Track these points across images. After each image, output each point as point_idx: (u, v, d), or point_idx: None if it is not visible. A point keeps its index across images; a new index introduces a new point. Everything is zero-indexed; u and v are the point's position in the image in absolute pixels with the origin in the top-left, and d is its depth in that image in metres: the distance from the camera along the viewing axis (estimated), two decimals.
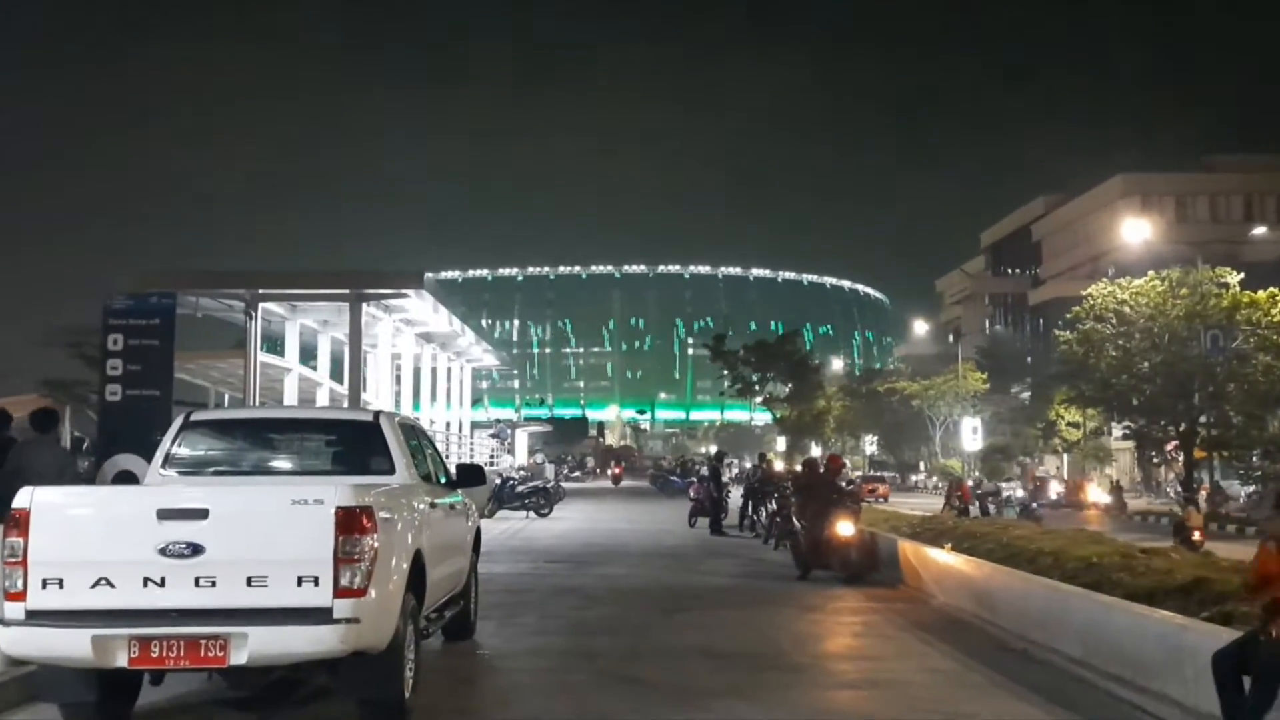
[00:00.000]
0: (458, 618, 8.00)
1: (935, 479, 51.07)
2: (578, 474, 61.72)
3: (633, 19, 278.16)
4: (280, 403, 20.80)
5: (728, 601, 11.49)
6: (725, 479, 24.19)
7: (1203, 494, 30.67)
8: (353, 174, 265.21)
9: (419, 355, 26.87)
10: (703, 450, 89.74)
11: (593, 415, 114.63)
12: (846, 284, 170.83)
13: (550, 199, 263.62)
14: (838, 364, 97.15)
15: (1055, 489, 37.05)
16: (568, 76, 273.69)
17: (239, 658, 5.18)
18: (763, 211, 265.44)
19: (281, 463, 7.17)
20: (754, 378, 56.96)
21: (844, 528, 13.12)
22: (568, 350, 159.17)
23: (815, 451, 62.53)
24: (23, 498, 5.32)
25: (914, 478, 57.50)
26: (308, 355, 23.81)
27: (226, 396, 24.22)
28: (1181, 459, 34.66)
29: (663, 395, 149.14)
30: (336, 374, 24.06)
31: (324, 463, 7.14)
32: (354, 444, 7.09)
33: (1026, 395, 55.22)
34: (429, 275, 21.35)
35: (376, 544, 5.37)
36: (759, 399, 59.79)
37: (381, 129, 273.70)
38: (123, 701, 5.82)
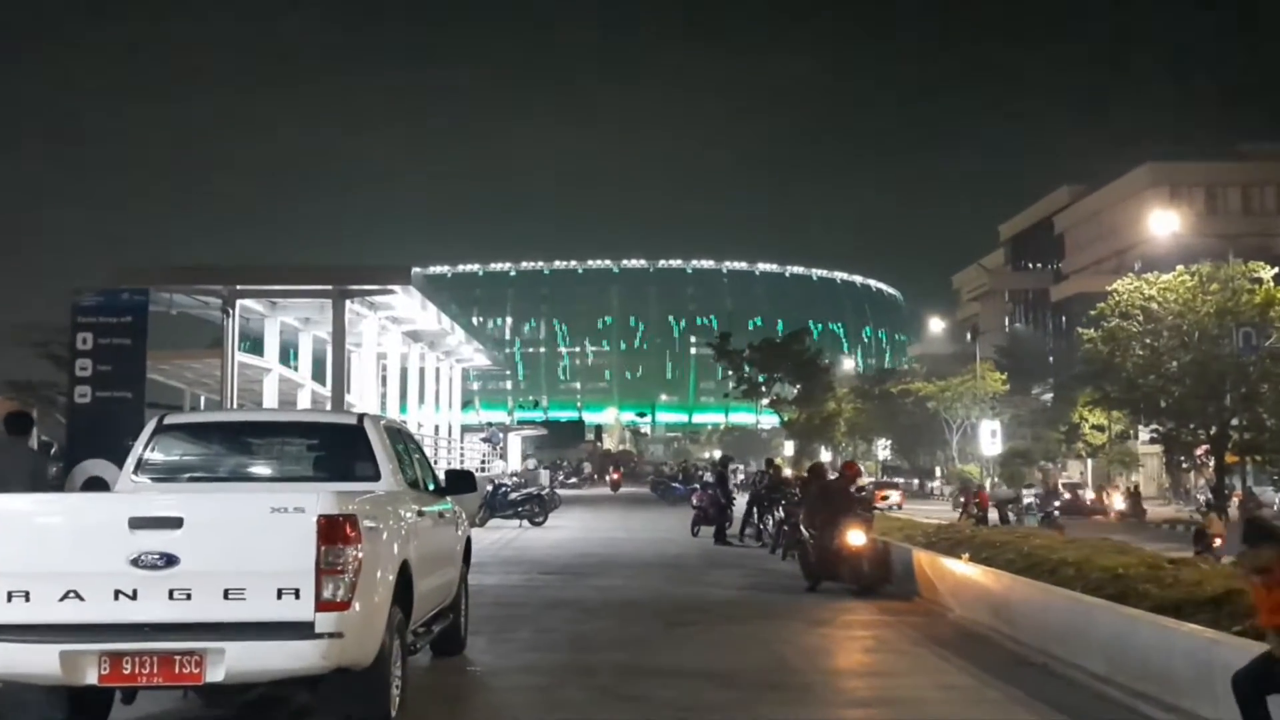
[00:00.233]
0: (447, 632, 8.01)
1: (950, 486, 51.04)
2: (574, 480, 61.75)
3: (633, 3, 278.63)
4: (259, 405, 20.79)
5: (732, 615, 11.50)
6: (730, 485, 24.14)
7: (1235, 501, 30.70)
8: (337, 165, 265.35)
9: (406, 355, 26.89)
10: (706, 455, 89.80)
11: (590, 418, 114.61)
12: (858, 279, 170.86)
13: (545, 190, 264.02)
14: (848, 364, 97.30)
15: (1062, 494, 36.91)
16: (566, 64, 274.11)
17: (215, 674, 5.19)
18: (770, 203, 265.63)
19: (260, 469, 7.18)
20: (760, 378, 56.99)
21: (855, 537, 13.13)
22: (564, 349, 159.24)
23: (825, 456, 62.72)
24: None
25: (931, 484, 57.48)
26: (288, 355, 23.85)
27: (203, 399, 24.22)
28: (1212, 464, 34.66)
29: (664, 397, 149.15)
30: (319, 375, 24.07)
31: (305, 468, 7.16)
32: (337, 449, 7.10)
33: (1048, 397, 55.26)
34: (416, 270, 21.38)
35: (361, 554, 5.37)
36: (765, 401, 59.83)
37: (368, 117, 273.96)
38: None
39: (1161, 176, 57.06)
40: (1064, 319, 61.83)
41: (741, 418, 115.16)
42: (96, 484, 10.51)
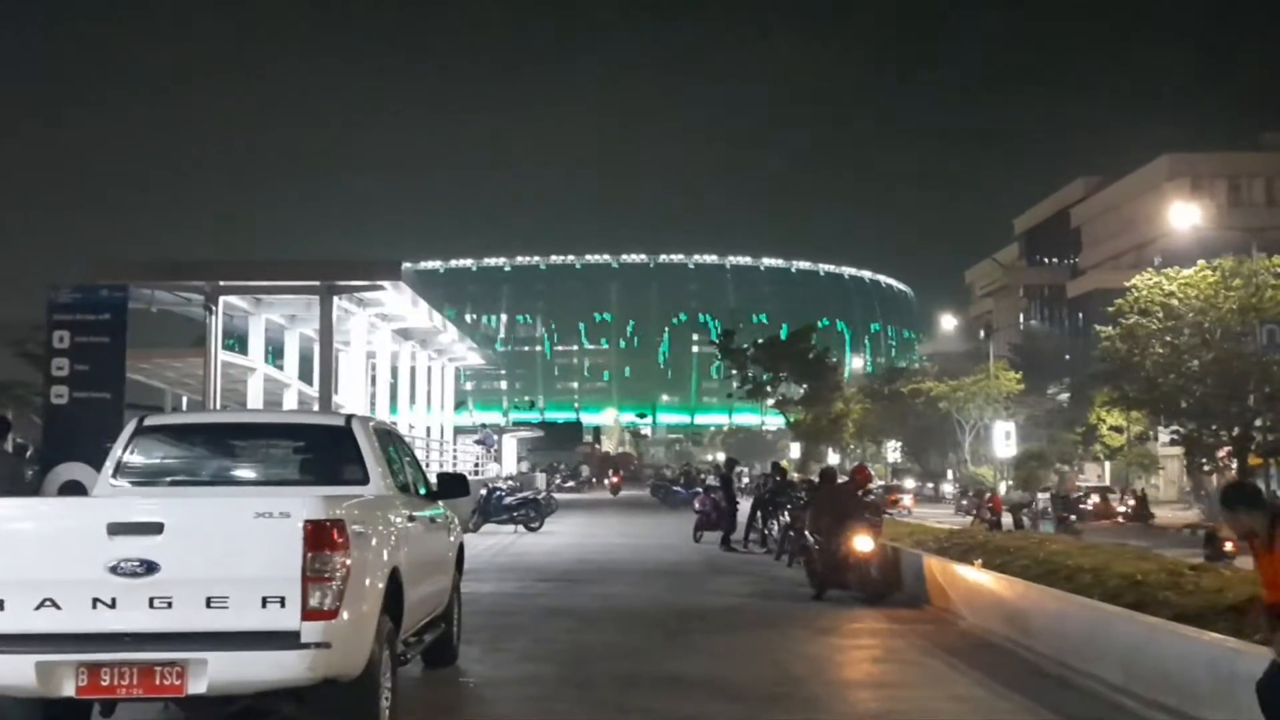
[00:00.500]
0: (439, 642, 8.01)
1: (953, 489, 50.98)
2: (571, 484, 61.77)
3: None
4: (243, 406, 20.79)
5: (736, 624, 11.51)
6: (735, 489, 24.11)
7: None
8: (325, 158, 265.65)
9: (396, 353, 26.90)
10: (709, 458, 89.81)
11: (588, 419, 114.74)
12: (867, 274, 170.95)
13: (542, 182, 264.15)
14: (857, 363, 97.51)
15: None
16: (565, 51, 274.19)
17: (198, 686, 5.19)
18: (775, 196, 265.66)
19: (244, 472, 7.18)
20: (765, 378, 56.99)
21: (863, 542, 13.13)
22: (561, 348, 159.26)
23: (833, 459, 62.72)
24: None
25: (946, 488, 57.39)
26: (274, 354, 23.85)
27: (185, 399, 24.23)
28: (1235, 467, 34.65)
29: (665, 397, 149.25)
30: (305, 374, 24.07)
31: (291, 472, 7.16)
32: (324, 451, 7.10)
33: (1064, 397, 55.26)
34: (407, 265, 21.42)
35: (349, 561, 5.37)
36: (770, 401, 59.83)
37: (358, 108, 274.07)
38: None
39: (1182, 168, 57.06)
40: (1081, 316, 61.83)
41: (746, 419, 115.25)
42: (74, 488, 10.52)
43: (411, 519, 6.99)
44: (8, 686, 5.27)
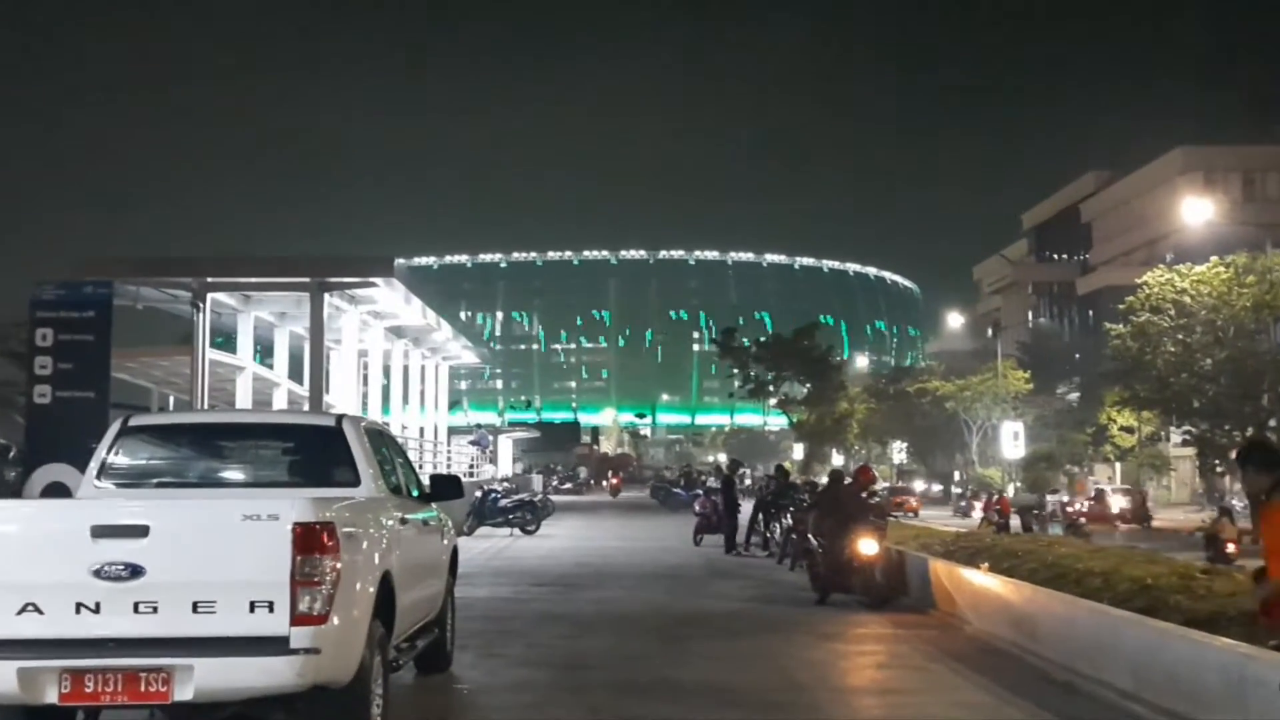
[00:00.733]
0: (432, 648, 8.02)
1: (957, 490, 50.95)
2: (569, 486, 61.80)
3: None
4: (232, 405, 20.81)
5: (737, 629, 11.52)
6: (737, 491, 24.09)
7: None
8: (316, 153, 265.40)
9: (389, 352, 26.91)
10: (710, 459, 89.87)
11: (586, 419, 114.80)
12: (872, 271, 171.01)
13: (540, 177, 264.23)
14: (862, 361, 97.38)
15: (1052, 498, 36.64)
16: (564, 42, 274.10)
17: (184, 693, 5.19)
18: (777, 190, 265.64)
19: (232, 473, 7.19)
20: (767, 377, 57.04)
21: (867, 546, 13.14)
22: (558, 346, 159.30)
23: (837, 460, 62.75)
24: None
25: (956, 490, 57.44)
26: (263, 352, 23.86)
27: (171, 398, 24.24)
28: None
29: (665, 397, 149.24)
30: (296, 373, 24.10)
31: (280, 473, 7.16)
32: (314, 452, 7.10)
33: (1074, 396, 55.27)
34: (400, 262, 21.44)
35: (339, 565, 5.38)
36: (773, 401, 59.88)
37: (349, 99, 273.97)
38: None
39: (1195, 161, 57.09)
40: (1091, 313, 61.86)
41: (747, 419, 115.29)
42: (57, 489, 10.55)
43: (404, 522, 6.99)
44: None
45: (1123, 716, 7.42)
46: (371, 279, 19.59)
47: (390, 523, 6.65)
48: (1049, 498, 34.95)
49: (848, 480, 15.91)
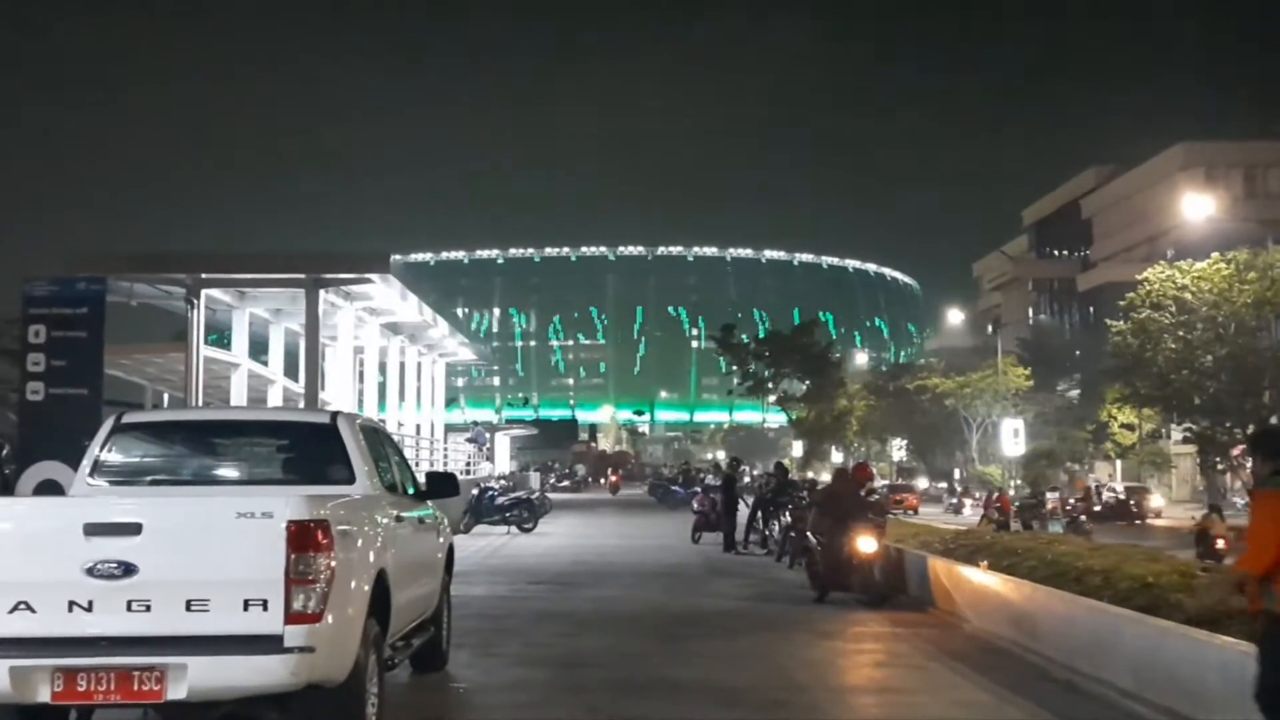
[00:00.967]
0: (427, 646, 8.01)
1: (942, 486, 50.97)
2: (567, 483, 61.81)
3: None
4: (226, 403, 20.79)
5: (735, 627, 11.53)
6: (737, 489, 24.06)
7: None
8: (313, 148, 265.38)
9: (385, 349, 26.89)
10: (708, 456, 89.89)
11: (584, 417, 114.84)
12: (871, 267, 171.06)
13: (537, 172, 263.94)
14: (861, 358, 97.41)
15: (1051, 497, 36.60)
16: (563, 39, 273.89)
17: (177, 691, 5.18)
18: (777, 187, 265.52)
19: (226, 471, 7.18)
20: (766, 374, 57.05)
21: (866, 544, 13.15)
22: (555, 343, 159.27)
23: (836, 457, 62.80)
24: None
25: (942, 486, 57.53)
26: (258, 349, 23.82)
27: (165, 396, 24.22)
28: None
29: (663, 394, 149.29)
30: (291, 370, 24.07)
31: (275, 471, 7.15)
32: (309, 449, 7.09)
33: (1075, 393, 55.34)
34: (396, 258, 21.41)
35: (334, 563, 5.37)
36: (772, 398, 59.89)
37: (345, 96, 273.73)
38: None
39: (1196, 157, 57.14)
40: (1092, 310, 61.90)
41: (746, 416, 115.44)
42: (50, 487, 10.52)
43: (399, 519, 6.99)
44: None
45: (1123, 715, 7.43)
46: (368, 275, 19.54)
47: (385, 520, 6.64)
48: (1049, 495, 34.94)
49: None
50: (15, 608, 5.18)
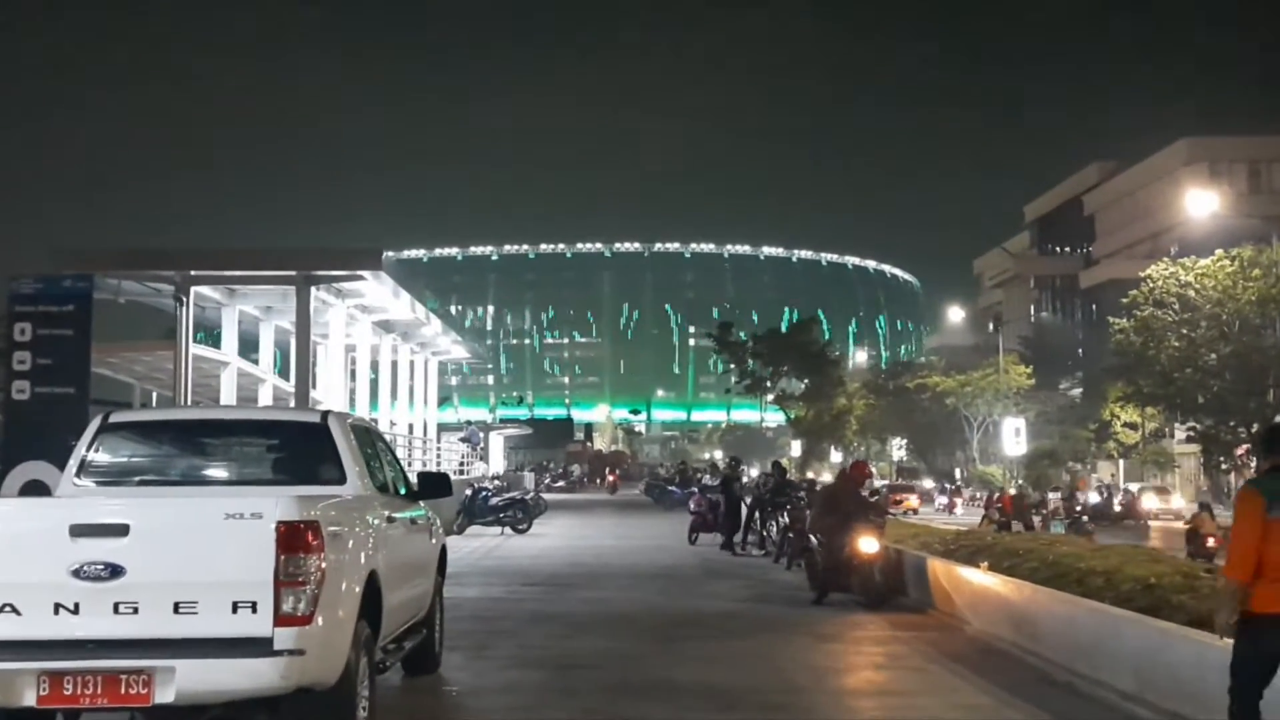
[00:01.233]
0: (420, 649, 8.01)
1: (943, 486, 50.89)
2: (561, 483, 61.83)
3: None
4: (216, 401, 20.78)
5: (732, 629, 11.54)
6: (737, 489, 24.06)
7: None
8: (303, 143, 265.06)
9: (377, 347, 26.88)
10: (706, 456, 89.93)
11: (579, 416, 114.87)
12: (871, 264, 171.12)
13: (532, 167, 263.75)
14: (861, 356, 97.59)
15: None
16: (560, 34, 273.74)
17: (165, 695, 5.18)
18: (775, 182, 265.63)
19: (215, 471, 7.17)
20: (765, 372, 57.09)
21: (867, 544, 13.16)
22: (550, 341, 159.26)
23: (835, 457, 62.85)
24: None
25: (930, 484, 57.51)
26: (248, 347, 23.81)
27: (154, 395, 24.18)
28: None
29: (660, 393, 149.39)
30: (281, 368, 24.06)
31: (264, 471, 7.15)
32: (299, 449, 7.09)
33: (1077, 392, 55.46)
34: (388, 254, 21.39)
35: (324, 564, 5.37)
36: (770, 397, 59.97)
37: (340, 91, 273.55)
38: None
39: (1200, 152, 57.21)
40: (1094, 307, 62.00)
41: (744, 415, 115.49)
42: (35, 488, 10.51)
43: (391, 520, 6.98)
44: None
45: (1124, 718, 7.45)
46: (359, 272, 19.54)
47: (377, 521, 6.64)
48: (1050, 495, 35.00)
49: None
50: (0, 610, 5.18)
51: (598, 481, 69.95)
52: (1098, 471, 52.79)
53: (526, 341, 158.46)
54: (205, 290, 19.37)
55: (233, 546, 5.28)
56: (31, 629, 5.18)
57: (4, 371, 12.68)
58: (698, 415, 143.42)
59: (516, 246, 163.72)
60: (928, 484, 54.65)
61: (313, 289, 18.91)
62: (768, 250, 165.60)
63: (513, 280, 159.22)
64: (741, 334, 61.03)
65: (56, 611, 5.17)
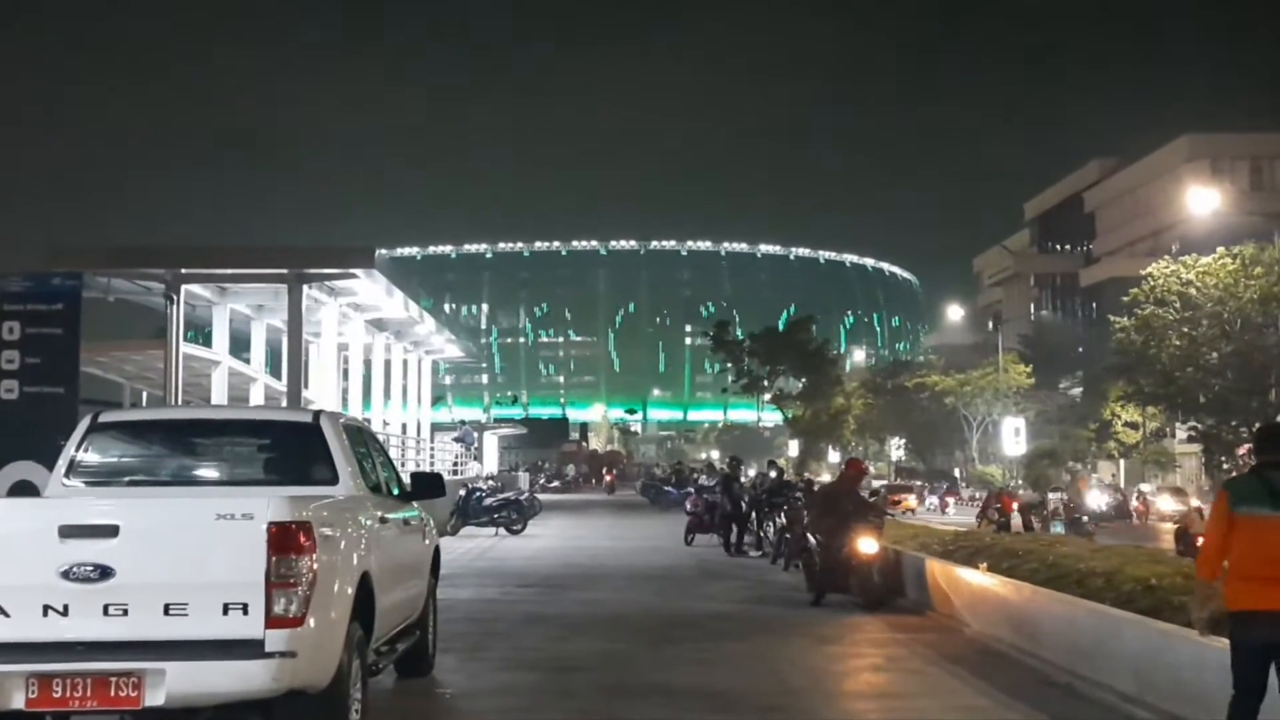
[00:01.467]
0: (413, 651, 8.01)
1: (934, 485, 50.81)
2: (557, 484, 61.82)
3: None
4: (207, 401, 20.77)
5: (729, 631, 11.54)
6: (736, 489, 24.03)
7: None
8: (295, 140, 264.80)
9: (370, 346, 26.86)
10: (702, 456, 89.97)
11: (574, 415, 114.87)
12: (869, 262, 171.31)
13: (527, 164, 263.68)
14: (859, 355, 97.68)
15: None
16: (556, 31, 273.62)
17: (155, 698, 5.18)
18: (773, 179, 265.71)
19: (206, 471, 7.17)
20: (762, 371, 57.10)
21: (866, 545, 13.16)
22: (545, 340, 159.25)
23: (833, 457, 62.89)
24: None
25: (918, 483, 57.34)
26: (239, 346, 23.80)
27: (144, 394, 24.17)
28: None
29: (656, 392, 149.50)
30: (273, 368, 24.04)
31: (256, 471, 7.15)
32: (291, 449, 7.09)
33: (1077, 391, 55.50)
34: (381, 252, 21.37)
35: (316, 565, 5.37)
36: (767, 396, 59.99)
37: (334, 87, 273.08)
38: None
39: (1201, 149, 57.27)
40: (1095, 306, 62.10)
41: (741, 414, 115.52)
42: (24, 488, 10.49)
43: (384, 521, 6.99)
44: None
45: None
46: (352, 270, 19.51)
47: (369, 522, 6.65)
48: (1051, 495, 35.02)
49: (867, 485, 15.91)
50: None
51: (593, 482, 69.94)
52: (1098, 471, 52.87)
53: (521, 340, 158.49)
54: (196, 289, 19.34)
55: (224, 547, 5.29)
56: (20, 631, 5.18)
57: None
58: (694, 415, 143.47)
59: (511, 244, 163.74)
60: (915, 482, 54.69)
61: (305, 287, 18.88)
62: (765, 248, 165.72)
63: (507, 278, 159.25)
64: (738, 332, 61.06)
65: (45, 613, 5.18)
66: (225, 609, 5.21)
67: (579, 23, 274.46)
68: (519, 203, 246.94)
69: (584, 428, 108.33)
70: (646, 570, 17.83)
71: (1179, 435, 44.81)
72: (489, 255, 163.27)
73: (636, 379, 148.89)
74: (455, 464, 37.02)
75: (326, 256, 19.79)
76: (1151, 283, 35.68)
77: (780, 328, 62.11)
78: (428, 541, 8.56)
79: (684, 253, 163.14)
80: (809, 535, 14.62)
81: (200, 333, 23.42)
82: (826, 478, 35.70)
